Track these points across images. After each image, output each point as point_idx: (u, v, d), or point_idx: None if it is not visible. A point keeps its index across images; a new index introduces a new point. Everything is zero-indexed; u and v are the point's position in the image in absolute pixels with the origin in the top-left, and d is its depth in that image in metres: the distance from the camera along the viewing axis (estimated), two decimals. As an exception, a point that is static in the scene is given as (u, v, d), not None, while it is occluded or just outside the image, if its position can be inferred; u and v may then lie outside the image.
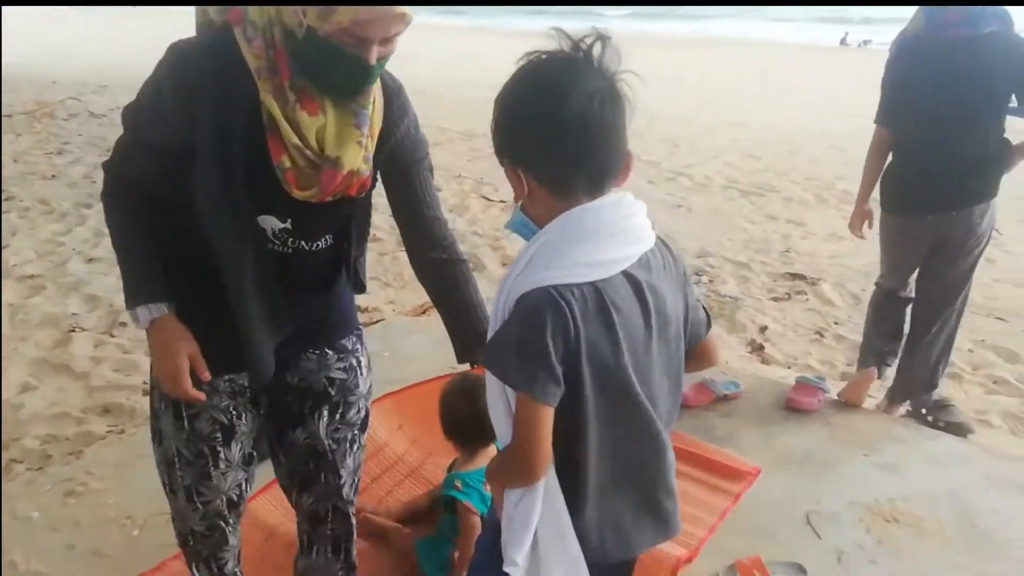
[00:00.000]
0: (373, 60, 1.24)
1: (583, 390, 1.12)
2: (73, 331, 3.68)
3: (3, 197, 5.70)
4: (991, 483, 2.57)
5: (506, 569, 1.17)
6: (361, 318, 1.75)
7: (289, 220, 1.39)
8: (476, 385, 1.50)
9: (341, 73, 1.26)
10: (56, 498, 2.35)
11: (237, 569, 1.68)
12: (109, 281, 4.29)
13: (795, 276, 5.06)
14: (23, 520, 2.26)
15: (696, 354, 1.33)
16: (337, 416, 1.63)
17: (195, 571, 1.64)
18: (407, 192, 1.52)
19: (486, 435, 1.71)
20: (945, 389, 3.12)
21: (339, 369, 1.61)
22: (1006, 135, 2.79)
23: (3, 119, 8.03)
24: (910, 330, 3.09)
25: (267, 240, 1.40)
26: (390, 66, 1.36)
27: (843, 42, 28.36)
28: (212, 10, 1.31)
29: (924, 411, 3.07)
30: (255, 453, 1.60)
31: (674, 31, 34.21)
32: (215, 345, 1.41)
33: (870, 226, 3.13)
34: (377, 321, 3.84)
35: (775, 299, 4.68)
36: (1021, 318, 4.45)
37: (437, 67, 14.84)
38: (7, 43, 11.51)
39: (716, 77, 16.55)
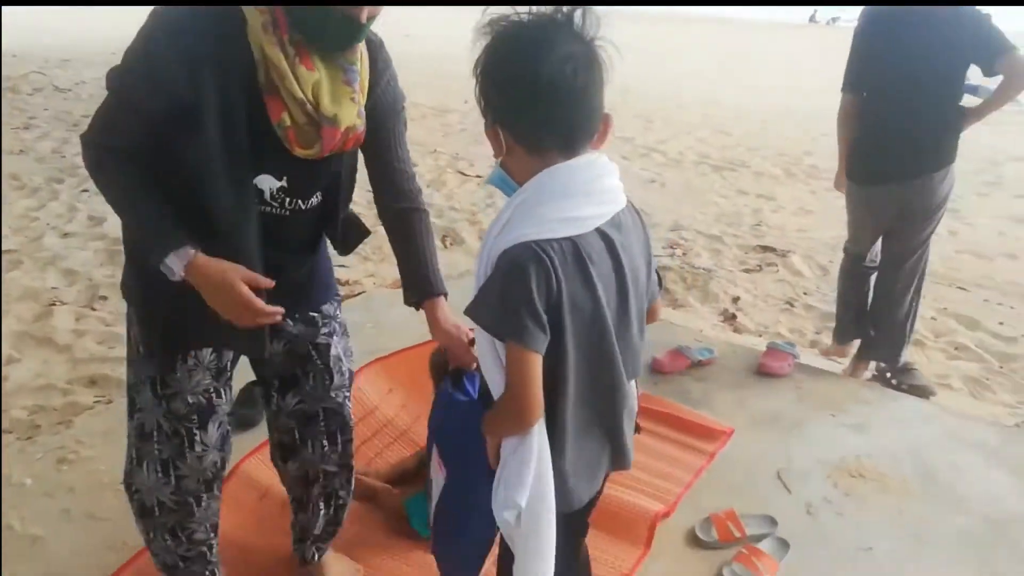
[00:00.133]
0: (364, 18, 1.31)
1: (565, 341, 1.17)
2: (53, 305, 3.67)
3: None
4: (951, 441, 2.71)
5: (504, 514, 1.20)
6: (342, 291, 1.79)
7: (285, 178, 1.42)
8: None
9: (332, 28, 1.31)
10: (49, 465, 2.38)
11: (211, 539, 1.66)
12: (86, 255, 4.28)
13: (765, 248, 5.17)
14: (17, 487, 2.28)
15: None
16: (325, 380, 1.68)
17: (162, 540, 1.60)
18: (382, 143, 1.57)
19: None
20: (909, 354, 3.25)
21: (324, 334, 1.67)
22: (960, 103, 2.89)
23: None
24: (875, 293, 3.21)
25: (263, 203, 1.43)
26: None
27: (812, 19, 28.58)
28: None
29: (889, 375, 3.21)
30: (229, 430, 1.60)
31: (647, 8, 34.12)
32: (206, 318, 1.37)
33: None
34: (359, 293, 3.88)
35: (746, 270, 4.79)
36: (981, 288, 4.62)
37: (407, 42, 14.71)
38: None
39: (688, 54, 16.61)
